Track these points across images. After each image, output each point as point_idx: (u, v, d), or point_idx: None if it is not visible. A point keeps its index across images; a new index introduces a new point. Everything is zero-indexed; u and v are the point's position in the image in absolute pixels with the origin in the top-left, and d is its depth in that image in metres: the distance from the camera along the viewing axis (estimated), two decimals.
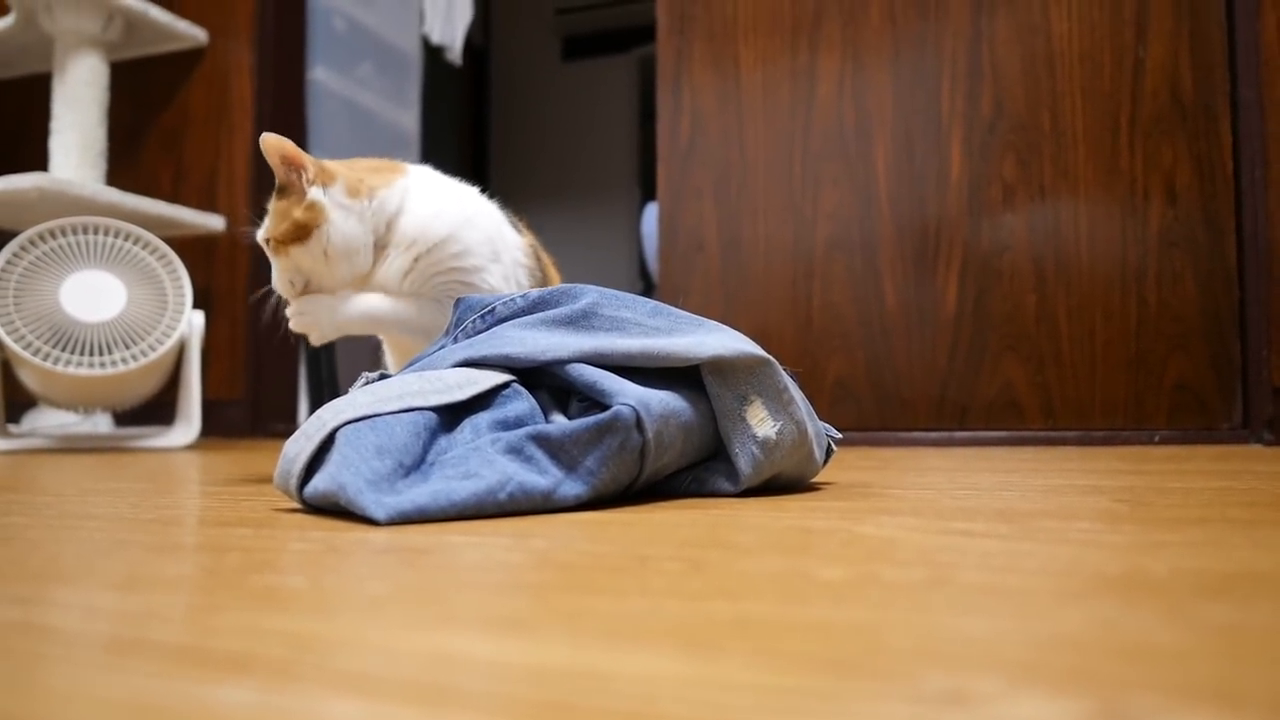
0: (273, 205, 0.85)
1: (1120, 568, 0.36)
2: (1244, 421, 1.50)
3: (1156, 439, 1.52)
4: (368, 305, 0.85)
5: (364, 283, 0.87)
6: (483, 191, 0.92)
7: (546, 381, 0.63)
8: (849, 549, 0.41)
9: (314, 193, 0.83)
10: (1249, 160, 1.49)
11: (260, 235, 0.86)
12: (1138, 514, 0.53)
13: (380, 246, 0.85)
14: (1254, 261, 1.49)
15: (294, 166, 0.82)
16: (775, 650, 0.24)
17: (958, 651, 0.24)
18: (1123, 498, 0.62)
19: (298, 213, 0.82)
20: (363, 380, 0.66)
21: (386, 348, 0.94)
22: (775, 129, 1.76)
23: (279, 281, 0.86)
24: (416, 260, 0.84)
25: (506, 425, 0.59)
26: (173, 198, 2.19)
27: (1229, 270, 1.52)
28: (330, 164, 0.85)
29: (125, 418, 2.15)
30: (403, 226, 0.85)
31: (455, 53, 2.94)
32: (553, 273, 0.97)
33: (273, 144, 0.82)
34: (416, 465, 0.55)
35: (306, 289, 0.85)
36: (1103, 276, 1.57)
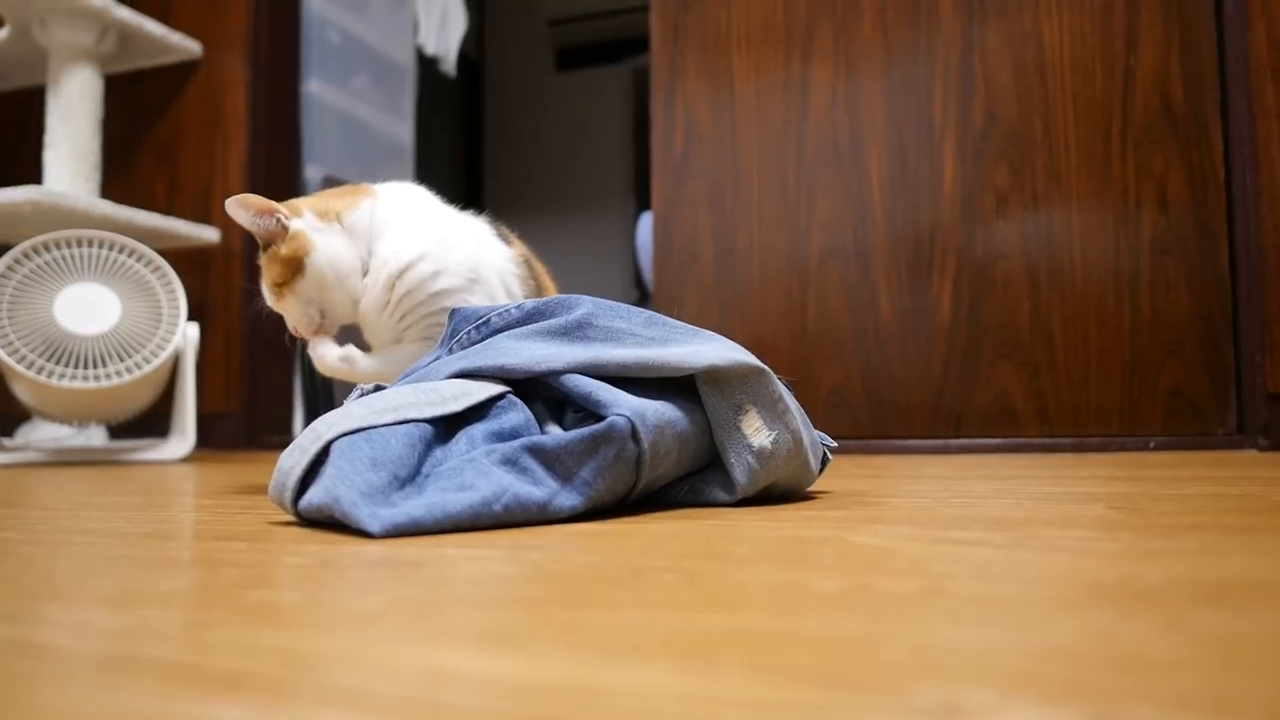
0: (262, 262, 0.86)
1: (1115, 576, 0.36)
2: (1239, 427, 1.50)
3: (1152, 445, 1.52)
4: (386, 365, 0.86)
5: (356, 311, 0.87)
6: (476, 203, 0.93)
7: (542, 392, 0.63)
8: (844, 559, 0.41)
9: (294, 224, 0.84)
10: (1240, 167, 1.50)
11: (266, 293, 0.87)
12: (1133, 521, 0.53)
13: (363, 272, 0.86)
14: (1246, 267, 1.49)
15: (267, 213, 0.83)
16: (770, 663, 0.24)
17: (952, 663, 0.24)
18: (1118, 505, 0.62)
19: (284, 249, 0.83)
20: (358, 392, 0.66)
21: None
22: (769, 139, 1.76)
23: (298, 322, 0.86)
24: (393, 288, 0.84)
25: (502, 436, 0.59)
26: (167, 210, 2.19)
27: (1222, 276, 1.52)
28: (293, 201, 0.87)
29: (120, 431, 2.14)
30: (379, 250, 0.85)
31: (449, 64, 2.95)
32: (547, 281, 0.97)
33: (240, 201, 0.83)
34: (411, 477, 0.55)
35: (323, 321, 0.86)
36: (1096, 284, 1.57)
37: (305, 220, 0.84)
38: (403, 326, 0.86)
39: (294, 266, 0.83)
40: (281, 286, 0.84)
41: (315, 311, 0.85)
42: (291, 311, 0.86)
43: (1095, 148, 1.59)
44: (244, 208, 0.83)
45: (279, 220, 0.83)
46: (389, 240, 0.85)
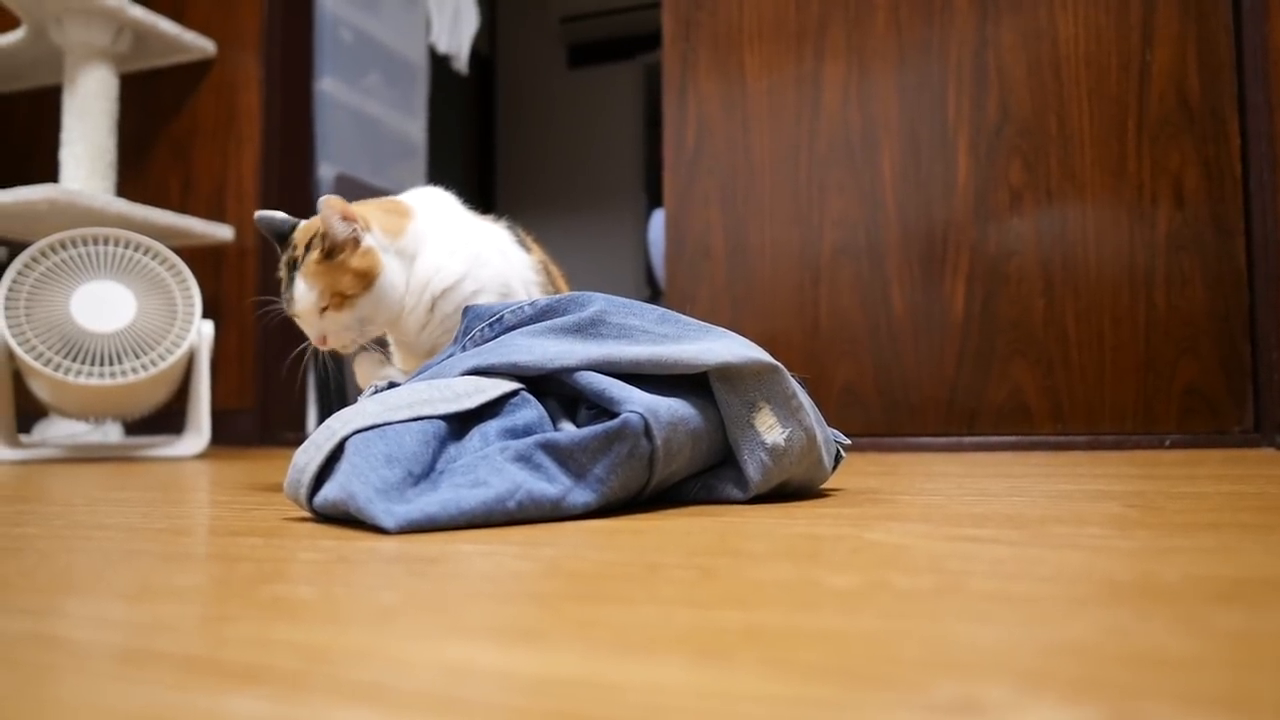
0: (316, 268, 0.82)
1: (1131, 574, 0.35)
2: (1255, 425, 1.49)
3: (1167, 443, 1.51)
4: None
5: (394, 328, 0.87)
6: (489, 200, 0.93)
7: (555, 389, 0.63)
8: (859, 556, 0.41)
9: (368, 239, 0.83)
10: (1258, 162, 1.49)
11: (310, 301, 0.83)
12: (1148, 519, 0.52)
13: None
14: (1263, 264, 1.48)
15: (351, 219, 0.82)
16: (786, 660, 0.24)
17: (968, 660, 0.24)
18: (1133, 503, 0.61)
19: (355, 262, 0.82)
20: (371, 389, 0.66)
21: (395, 355, 0.95)
22: (781, 135, 1.76)
23: (337, 336, 0.84)
24: (434, 308, 0.85)
25: (515, 433, 0.59)
26: (181, 208, 2.20)
27: (1238, 273, 1.51)
28: (359, 210, 0.85)
29: (135, 427, 2.16)
30: (417, 268, 0.85)
31: (461, 62, 2.95)
32: (563, 286, 0.98)
33: (332, 204, 0.80)
34: (426, 474, 0.55)
35: (358, 337, 0.86)
36: (1111, 280, 1.56)
37: (375, 238, 0.83)
38: (441, 342, 0.87)
39: (364, 283, 0.82)
40: (345, 298, 0.82)
41: (358, 329, 0.85)
42: (337, 324, 0.84)
43: (1110, 143, 1.57)
44: (332, 209, 0.81)
45: (355, 231, 0.82)
46: (427, 257, 0.86)
